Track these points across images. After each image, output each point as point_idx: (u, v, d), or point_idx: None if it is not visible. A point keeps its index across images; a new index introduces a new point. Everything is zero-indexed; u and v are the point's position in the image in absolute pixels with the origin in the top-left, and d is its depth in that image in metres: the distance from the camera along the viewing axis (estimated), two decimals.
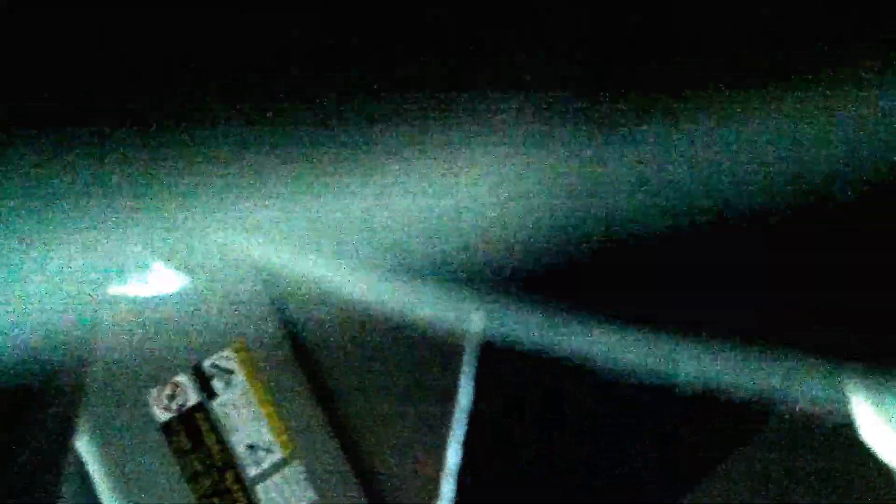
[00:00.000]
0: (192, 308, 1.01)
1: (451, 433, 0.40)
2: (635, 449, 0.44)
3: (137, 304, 0.98)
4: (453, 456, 0.40)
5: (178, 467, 0.99)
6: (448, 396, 0.41)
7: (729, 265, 0.19)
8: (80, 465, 0.97)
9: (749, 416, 0.45)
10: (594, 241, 0.21)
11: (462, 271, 0.22)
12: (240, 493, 1.03)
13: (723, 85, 0.16)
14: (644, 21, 0.15)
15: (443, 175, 0.20)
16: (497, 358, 0.39)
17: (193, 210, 0.19)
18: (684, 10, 0.15)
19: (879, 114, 0.16)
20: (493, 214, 0.19)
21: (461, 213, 0.21)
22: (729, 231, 0.19)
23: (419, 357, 1.03)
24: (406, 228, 0.20)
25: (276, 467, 1.05)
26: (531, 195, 0.20)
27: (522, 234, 0.20)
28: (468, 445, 0.40)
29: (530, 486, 0.43)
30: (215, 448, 1.03)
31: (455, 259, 0.21)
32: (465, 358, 0.39)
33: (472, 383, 0.39)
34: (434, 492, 0.42)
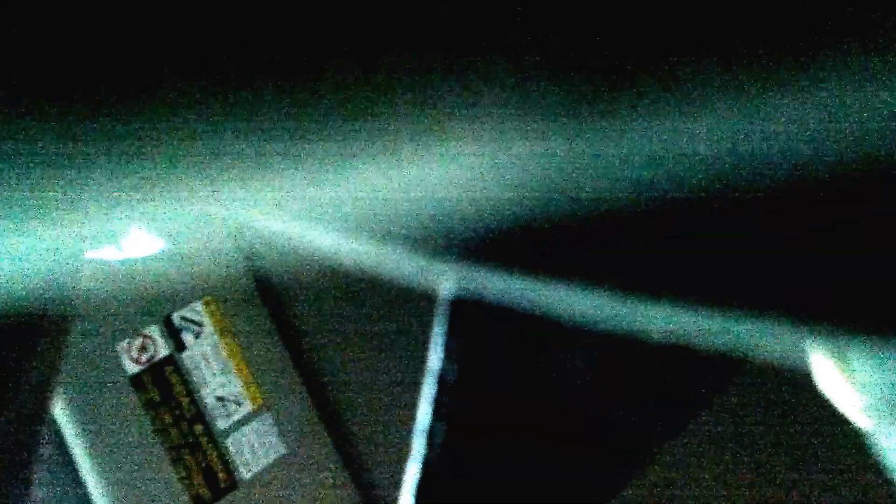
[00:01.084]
0: (162, 263, 1.01)
1: (421, 391, 0.40)
2: (604, 403, 0.44)
3: (110, 260, 0.98)
4: (423, 414, 0.40)
5: (147, 419, 1.00)
6: (420, 352, 0.41)
7: (698, 232, 0.20)
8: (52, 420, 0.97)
9: (716, 374, 0.45)
10: (568, 213, 0.21)
11: (435, 237, 0.22)
12: (209, 446, 1.03)
13: (717, 76, 0.16)
14: (638, 19, 0.15)
15: (419, 151, 0.19)
16: (467, 316, 0.39)
17: (172, 175, 0.19)
18: (679, 8, 0.15)
19: (881, 109, 0.16)
20: (470, 190, 0.20)
21: (437, 186, 0.20)
22: (701, 203, 0.19)
23: (391, 313, 1.04)
24: (380, 196, 0.21)
25: (246, 419, 1.06)
26: (508, 174, 0.19)
27: (497, 207, 0.21)
28: (437, 403, 0.40)
29: (501, 443, 0.43)
30: (185, 400, 1.03)
31: (429, 225, 0.21)
32: (436, 315, 0.39)
33: (442, 340, 0.39)
34: (404, 447, 0.42)
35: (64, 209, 0.19)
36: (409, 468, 0.42)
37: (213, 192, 0.21)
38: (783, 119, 0.18)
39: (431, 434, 0.41)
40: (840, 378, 0.29)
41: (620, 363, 0.42)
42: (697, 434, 0.87)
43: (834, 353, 0.29)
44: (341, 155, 0.19)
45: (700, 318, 0.21)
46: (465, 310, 0.39)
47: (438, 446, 0.41)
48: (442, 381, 0.40)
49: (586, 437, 0.45)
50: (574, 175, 0.19)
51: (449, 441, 0.41)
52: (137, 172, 0.20)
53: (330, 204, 0.21)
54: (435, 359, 0.40)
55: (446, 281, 0.35)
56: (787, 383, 0.79)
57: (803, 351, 0.29)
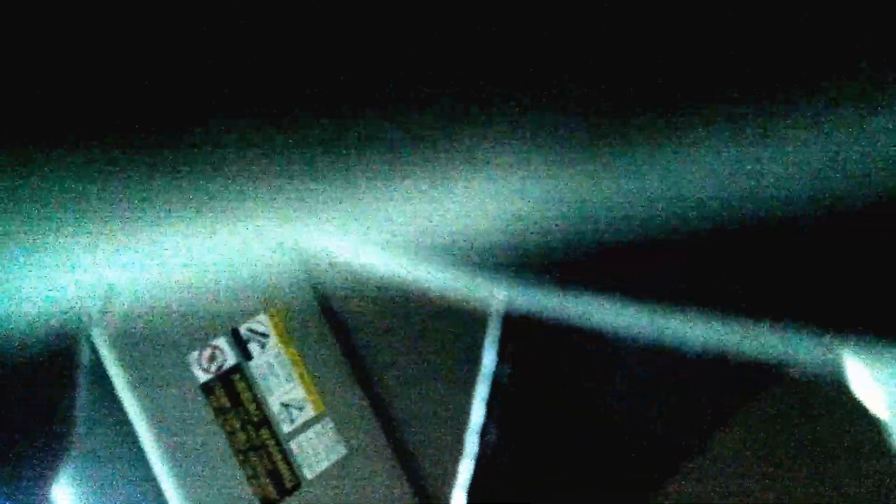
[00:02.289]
0: (229, 278, 1.04)
1: (475, 392, 0.41)
2: (643, 412, 0.45)
3: (178, 271, 1.01)
4: (476, 414, 0.41)
5: (217, 424, 1.04)
6: (472, 359, 0.42)
7: (729, 248, 0.20)
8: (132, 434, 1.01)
9: (748, 385, 0.45)
10: (602, 234, 0.21)
11: (484, 254, 0.23)
12: (275, 449, 1.07)
13: (730, 100, 0.17)
14: (647, 66, 0.16)
15: (467, 175, 0.20)
16: (519, 325, 0.40)
17: (239, 198, 0.20)
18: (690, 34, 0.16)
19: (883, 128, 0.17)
20: (511, 210, 0.21)
21: (487, 205, 0.21)
22: (733, 222, 0.20)
23: (444, 322, 1.05)
24: (432, 214, 0.21)
25: (309, 423, 1.10)
26: (546, 196, 0.20)
27: (539, 227, 0.21)
28: (490, 404, 0.41)
29: (549, 444, 0.44)
30: (252, 406, 1.07)
31: (478, 243, 0.22)
32: (489, 323, 0.40)
33: (496, 344, 0.40)
34: (458, 447, 0.43)
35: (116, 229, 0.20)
36: (461, 467, 0.43)
37: (277, 213, 0.20)
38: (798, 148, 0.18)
39: (484, 433, 0.42)
40: (874, 388, 0.30)
41: (658, 374, 0.43)
42: (730, 443, 0.87)
43: (868, 362, 0.29)
44: (396, 177, 0.20)
45: (735, 329, 0.22)
46: (517, 320, 0.40)
47: (491, 445, 0.42)
48: (495, 382, 0.41)
49: (627, 445, 0.45)
50: (607, 200, 0.19)
51: (501, 440, 0.42)
52: (204, 195, 0.19)
53: (385, 221, 0.22)
54: (489, 361, 0.40)
55: (499, 293, 0.35)
56: (822, 393, 0.77)
57: (838, 361, 0.29)
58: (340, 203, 0.20)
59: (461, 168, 0.20)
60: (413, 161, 0.19)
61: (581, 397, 0.45)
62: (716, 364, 0.36)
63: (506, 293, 0.34)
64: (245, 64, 0.17)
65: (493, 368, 0.41)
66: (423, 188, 0.20)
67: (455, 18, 0.17)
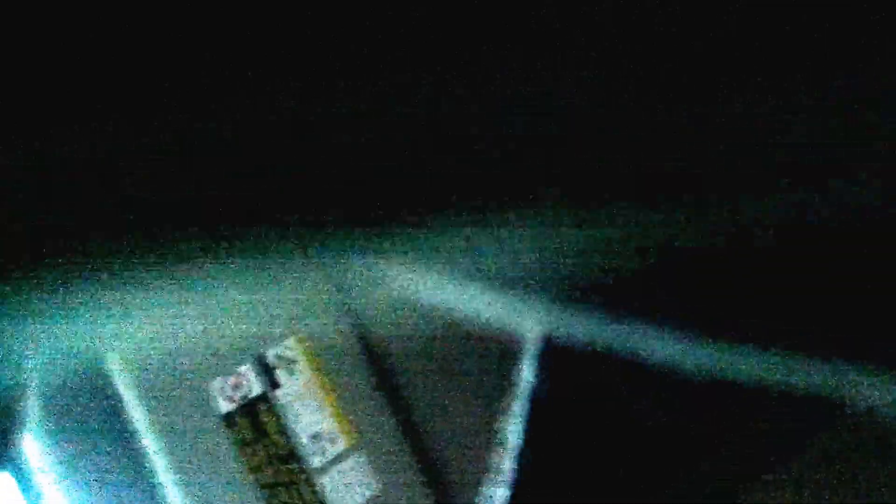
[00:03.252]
0: (256, 299, 1.01)
1: (511, 419, 0.41)
2: (688, 445, 0.44)
3: (200, 296, 0.98)
4: (513, 440, 0.41)
5: (241, 458, 1.00)
6: (509, 388, 0.42)
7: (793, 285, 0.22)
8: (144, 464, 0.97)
9: (809, 421, 0.46)
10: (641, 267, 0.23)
11: (522, 281, 0.24)
12: (305, 484, 1.03)
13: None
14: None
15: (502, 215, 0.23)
16: (555, 353, 0.40)
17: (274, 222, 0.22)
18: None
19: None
20: (548, 241, 0.23)
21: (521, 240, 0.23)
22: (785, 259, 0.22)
23: (481, 351, 1.03)
24: (470, 244, 0.23)
25: (341, 457, 1.06)
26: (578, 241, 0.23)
27: (575, 259, 0.24)
28: (527, 433, 0.41)
29: (584, 470, 0.44)
30: (278, 438, 1.03)
31: (516, 271, 0.24)
32: (526, 350, 0.40)
33: (532, 374, 0.40)
34: (496, 477, 0.42)
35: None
36: (498, 494, 0.42)
37: (310, 234, 0.22)
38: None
39: (520, 458, 0.41)
40: None
41: (703, 404, 0.42)
42: (793, 477, 0.87)
43: None
44: (440, 205, 0.22)
45: (800, 363, 0.23)
46: (554, 346, 0.39)
47: (527, 470, 0.41)
48: (533, 406, 0.41)
49: (669, 474, 0.45)
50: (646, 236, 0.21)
51: (537, 465, 0.41)
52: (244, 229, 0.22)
53: (426, 247, 0.23)
54: (525, 385, 0.41)
55: (535, 319, 0.37)
56: (885, 428, 0.79)
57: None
58: (377, 228, 0.22)
59: (503, 205, 0.22)
60: (459, 195, 0.22)
61: (618, 422, 0.44)
62: (776, 399, 0.36)
63: (543, 319, 0.36)
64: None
65: (531, 392, 0.41)
66: (465, 216, 0.22)
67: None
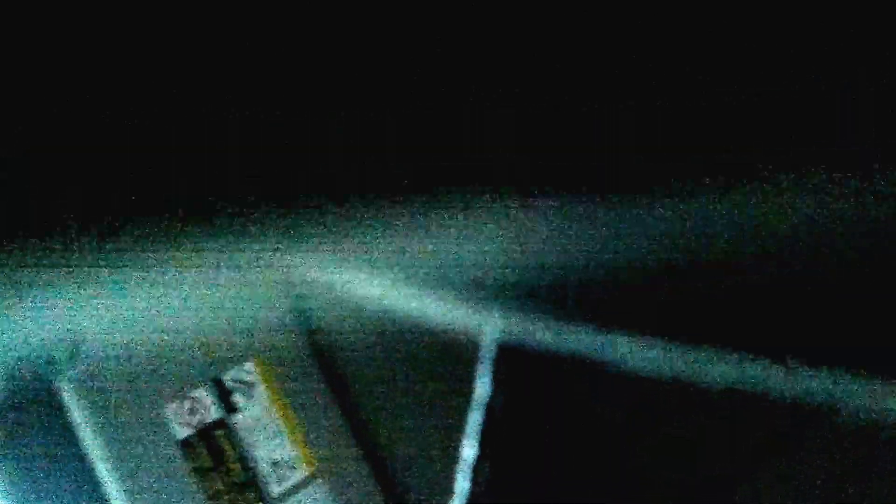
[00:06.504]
0: (212, 321, 0.99)
1: (472, 437, 0.41)
2: (652, 451, 0.44)
3: (155, 317, 0.96)
4: (469, 452, 0.41)
5: (198, 486, 0.96)
6: (470, 406, 0.42)
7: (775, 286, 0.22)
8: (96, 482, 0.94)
9: (786, 426, 0.45)
10: (606, 266, 0.23)
11: (478, 286, 0.24)
12: None
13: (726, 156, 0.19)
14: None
15: (462, 217, 0.22)
16: (512, 360, 0.40)
17: (228, 236, 0.21)
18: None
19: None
20: (503, 246, 0.23)
21: (481, 244, 0.23)
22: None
23: (442, 368, 1.03)
24: (428, 252, 0.23)
25: (301, 485, 1.02)
26: (542, 237, 0.22)
27: (536, 260, 0.23)
28: (483, 444, 0.41)
29: (546, 482, 0.43)
30: (236, 466, 1.00)
31: (472, 275, 0.24)
32: (482, 359, 0.40)
33: (488, 382, 0.40)
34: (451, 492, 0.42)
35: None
36: None
37: (266, 249, 0.22)
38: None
39: (477, 470, 0.41)
40: None
41: (667, 411, 0.42)
42: (778, 485, 0.87)
43: None
44: (391, 213, 0.22)
45: (789, 371, 0.24)
46: (509, 353, 0.40)
47: (484, 482, 0.41)
48: (488, 415, 0.41)
49: (630, 483, 0.44)
50: (603, 240, 0.21)
51: (493, 477, 0.41)
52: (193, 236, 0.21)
53: (379, 255, 0.23)
54: (482, 392, 0.40)
55: (491, 326, 0.37)
56: (872, 438, 0.79)
57: (890, 405, 0.29)
58: (333, 236, 0.24)
59: (457, 207, 0.23)
60: (411, 202, 0.23)
61: (576, 430, 0.44)
62: (741, 404, 0.35)
63: (498, 326, 0.35)
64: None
65: (486, 401, 0.41)
66: (419, 225, 0.23)
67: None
